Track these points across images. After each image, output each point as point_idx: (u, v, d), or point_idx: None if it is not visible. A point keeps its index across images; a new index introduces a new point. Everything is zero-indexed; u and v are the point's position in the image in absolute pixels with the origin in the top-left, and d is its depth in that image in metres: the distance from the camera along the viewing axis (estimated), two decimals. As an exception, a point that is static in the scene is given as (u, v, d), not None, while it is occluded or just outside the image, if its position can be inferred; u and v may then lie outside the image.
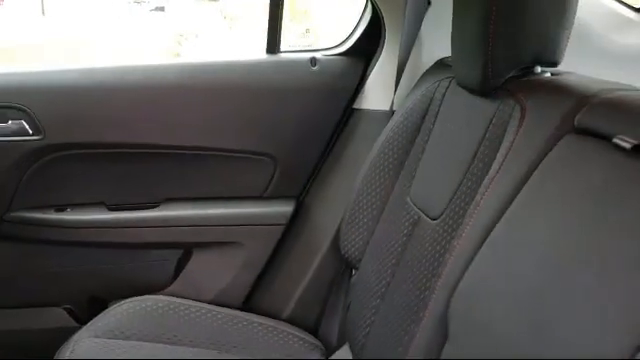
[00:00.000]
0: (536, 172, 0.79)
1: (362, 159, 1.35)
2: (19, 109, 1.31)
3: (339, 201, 1.42)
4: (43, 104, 1.32)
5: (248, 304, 1.51)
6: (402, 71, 1.41)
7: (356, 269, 1.32)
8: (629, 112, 0.71)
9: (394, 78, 1.42)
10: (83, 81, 1.36)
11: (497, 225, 0.81)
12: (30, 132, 1.33)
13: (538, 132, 0.84)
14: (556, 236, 0.70)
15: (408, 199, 1.18)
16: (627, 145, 0.65)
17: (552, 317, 0.64)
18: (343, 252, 1.37)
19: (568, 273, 0.66)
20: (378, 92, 1.46)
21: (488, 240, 0.81)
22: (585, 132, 0.76)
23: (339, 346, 1.42)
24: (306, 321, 1.47)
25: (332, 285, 1.48)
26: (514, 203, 0.80)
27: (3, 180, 1.34)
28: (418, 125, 1.23)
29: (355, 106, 1.49)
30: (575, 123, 0.78)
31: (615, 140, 0.67)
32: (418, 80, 1.32)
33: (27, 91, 1.32)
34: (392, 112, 1.39)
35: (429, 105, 1.21)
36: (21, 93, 1.32)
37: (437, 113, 1.18)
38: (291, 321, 1.46)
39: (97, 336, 1.22)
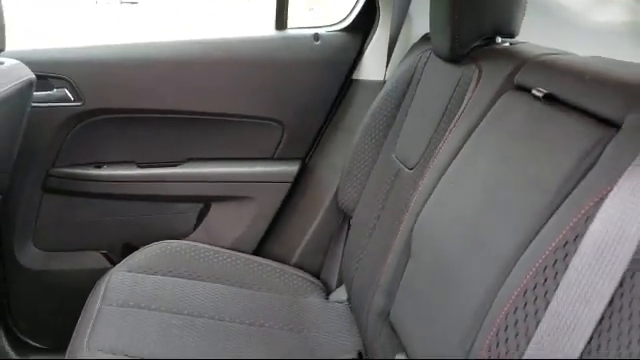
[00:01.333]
0: (482, 122, 0.98)
1: (359, 124, 1.54)
2: (63, 79, 1.53)
3: (339, 162, 1.61)
4: (83, 75, 1.53)
5: (259, 252, 1.72)
6: (394, 45, 1.59)
7: (351, 218, 1.52)
8: (550, 70, 0.89)
9: (387, 51, 1.60)
10: (118, 55, 1.57)
11: (450, 165, 1.00)
12: (72, 99, 1.54)
13: (487, 91, 1.02)
14: (493, 168, 0.89)
15: (393, 155, 1.37)
16: (540, 94, 0.83)
17: (488, 230, 0.83)
18: (340, 204, 1.57)
19: (502, 194, 0.84)
20: (373, 64, 1.64)
21: (443, 177, 1.00)
22: (520, 88, 0.94)
23: (337, 287, 1.62)
24: (310, 267, 1.67)
25: (333, 236, 1.67)
26: (463, 147, 0.98)
27: (49, 140, 1.57)
28: (404, 92, 1.42)
29: (354, 77, 1.68)
30: (514, 81, 0.96)
31: (533, 91, 0.85)
32: (406, 53, 1.50)
33: (69, 64, 1.53)
34: (384, 82, 1.57)
35: (413, 74, 1.39)
36: (65, 65, 1.53)
37: (419, 81, 1.36)
38: (297, 266, 1.66)
39: (129, 271, 1.43)
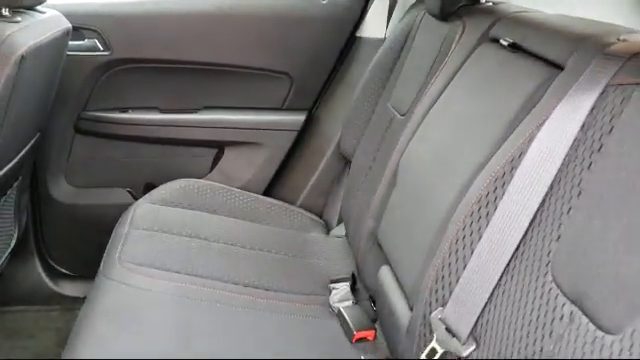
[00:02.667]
0: (460, 70, 1.13)
1: (361, 78, 1.70)
2: (93, 30, 1.69)
3: (342, 113, 1.78)
4: (112, 27, 1.69)
5: (268, 193, 1.89)
6: (394, 5, 1.74)
7: (350, 162, 1.69)
8: (517, 24, 1.04)
9: (387, 11, 1.75)
10: (143, 10, 1.72)
11: (432, 108, 1.16)
12: (101, 49, 1.71)
13: (468, 43, 1.17)
14: (464, 106, 1.05)
15: (388, 104, 1.52)
16: (506, 43, 0.99)
17: (456, 155, 1.00)
18: (342, 150, 1.74)
19: (469, 126, 1.01)
20: (375, 23, 1.79)
21: (425, 118, 1.16)
22: (493, 40, 1.10)
23: (337, 225, 1.80)
24: (313, 207, 1.85)
25: (335, 180, 1.85)
26: (444, 92, 1.14)
27: (80, 86, 1.74)
28: (401, 48, 1.57)
29: (357, 34, 1.83)
30: (489, 35, 1.12)
31: (501, 41, 1.00)
32: (405, 12, 1.64)
33: (99, 16, 1.69)
34: (385, 39, 1.72)
35: (409, 32, 1.54)
36: (95, 17, 1.69)
37: (414, 37, 1.51)
38: (302, 207, 1.84)
39: (153, 203, 1.61)
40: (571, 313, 0.68)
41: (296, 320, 1.25)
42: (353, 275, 1.42)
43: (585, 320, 0.66)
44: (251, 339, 1.14)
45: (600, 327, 0.63)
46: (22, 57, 1.17)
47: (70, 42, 1.59)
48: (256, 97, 1.85)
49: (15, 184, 1.59)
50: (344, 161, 1.80)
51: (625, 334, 0.60)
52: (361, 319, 1.25)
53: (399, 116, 1.42)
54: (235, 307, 1.23)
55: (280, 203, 1.79)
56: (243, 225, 1.62)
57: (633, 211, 0.65)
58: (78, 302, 1.58)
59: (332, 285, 1.38)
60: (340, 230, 1.74)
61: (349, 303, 1.32)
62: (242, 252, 1.47)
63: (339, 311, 1.29)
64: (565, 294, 0.70)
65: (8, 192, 1.55)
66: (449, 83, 1.15)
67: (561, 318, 0.69)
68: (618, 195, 0.68)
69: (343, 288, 1.37)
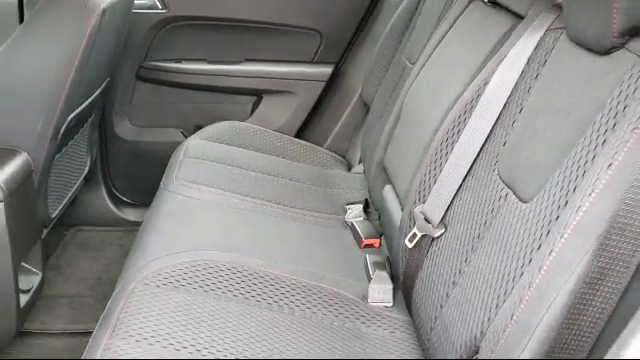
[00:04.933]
0: (454, 25, 1.38)
1: (382, 35, 1.94)
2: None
3: (365, 66, 2.03)
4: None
5: (298, 136, 2.18)
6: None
7: (369, 107, 1.95)
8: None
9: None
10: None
11: (431, 55, 1.41)
12: (159, 7, 2.01)
13: (462, 3, 1.41)
14: (451, 52, 1.30)
15: (403, 57, 1.77)
16: (486, 0, 1.23)
17: (441, 88, 1.25)
18: (363, 98, 2.00)
19: (453, 68, 1.26)
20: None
21: (426, 63, 1.41)
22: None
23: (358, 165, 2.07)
24: (338, 149, 2.13)
25: (357, 125, 2.11)
26: (440, 43, 1.39)
27: (141, 40, 2.04)
28: (415, 7, 1.81)
29: (380, -4, 2.08)
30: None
31: (483, -1, 1.25)
32: (420, -22, 1.87)
33: None
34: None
35: (423, -9, 1.78)
36: None
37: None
38: (328, 149, 2.12)
39: (202, 139, 1.92)
40: (506, 195, 0.94)
41: (316, 229, 1.54)
42: (366, 200, 1.69)
43: (513, 197, 0.92)
44: (277, 237, 1.44)
45: (520, 199, 0.90)
46: (103, 11, 1.46)
47: (135, 1, 1.88)
48: (290, 51, 2.12)
49: (89, 120, 1.91)
50: (366, 108, 2.06)
51: (533, 201, 0.86)
52: (369, 230, 1.53)
53: (410, 65, 1.67)
54: (266, 215, 1.52)
55: (309, 144, 2.07)
56: (276, 160, 1.90)
57: (551, 121, 0.90)
58: (137, 225, 1.90)
59: (348, 206, 1.66)
60: (359, 168, 2.01)
61: (360, 219, 1.60)
62: (274, 180, 1.76)
63: (352, 224, 1.57)
64: (503, 181, 0.96)
65: (84, 126, 1.88)
66: (445, 36, 1.40)
67: (499, 199, 0.95)
68: (544, 110, 0.93)
69: (357, 208, 1.65)
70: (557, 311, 0.68)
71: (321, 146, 2.13)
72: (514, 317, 0.74)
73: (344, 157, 2.12)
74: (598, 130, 0.76)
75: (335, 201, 1.73)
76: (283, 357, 1.04)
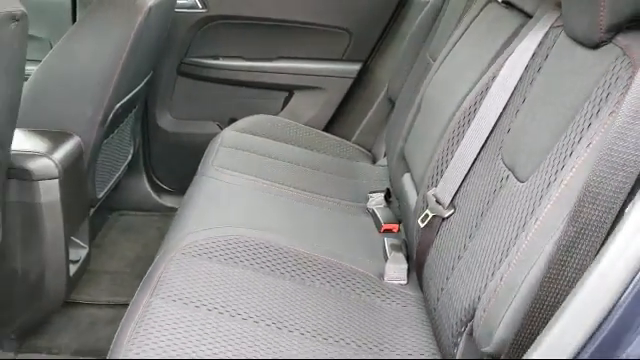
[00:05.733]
0: (471, 25, 1.47)
1: (408, 35, 2.04)
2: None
3: (392, 64, 2.13)
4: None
5: (327, 130, 2.29)
6: (439, -28, 2.06)
7: (394, 104, 2.05)
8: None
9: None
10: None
11: (449, 54, 1.51)
12: (200, 7, 2.15)
13: (479, 4, 1.50)
14: (466, 49, 1.40)
15: (427, 54, 1.87)
16: (500, 0, 1.32)
17: (455, 82, 1.35)
18: (389, 94, 2.10)
19: (466, 64, 1.35)
20: (423, -13, 2.13)
21: (444, 61, 1.51)
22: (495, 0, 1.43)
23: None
24: (365, 144, 2.24)
25: (383, 121, 2.21)
26: (459, 41, 1.49)
27: (183, 37, 2.19)
28: (439, 8, 1.90)
29: (408, -3, 2.18)
30: (496, -3, 1.45)
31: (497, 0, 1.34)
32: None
33: None
34: (429, 1, 2.06)
35: (445, -7, 1.88)
36: None
37: (448, 1, 1.84)
38: (355, 143, 2.23)
39: (236, 131, 2.05)
40: (507, 176, 1.04)
41: (338, 214, 1.65)
42: (388, 189, 1.80)
43: (513, 179, 1.01)
44: (302, 219, 1.55)
45: (518, 180, 0.99)
46: (149, 9, 1.61)
47: (177, 1, 2.03)
48: (320, 49, 2.24)
49: (133, 111, 2.07)
50: (391, 105, 2.16)
51: (528, 180, 0.95)
52: (389, 216, 1.64)
53: (432, 62, 1.76)
54: (293, 200, 1.64)
55: (336, 138, 2.18)
56: (305, 152, 2.02)
57: (548, 109, 0.99)
58: (174, 210, 2.04)
59: (370, 194, 1.77)
60: (384, 161, 2.11)
61: (381, 206, 1.71)
62: (302, 169, 1.88)
63: (372, 211, 1.68)
64: (505, 164, 1.05)
65: (128, 117, 2.04)
66: (463, 34, 1.49)
67: (501, 180, 1.05)
68: (543, 99, 1.02)
69: (378, 196, 1.75)
70: (538, 272, 0.77)
71: (348, 140, 2.24)
72: (503, 278, 0.84)
73: (370, 151, 2.23)
74: (585, 115, 0.85)
75: (358, 190, 1.83)
76: (302, 322, 1.15)
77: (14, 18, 1.13)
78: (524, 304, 0.79)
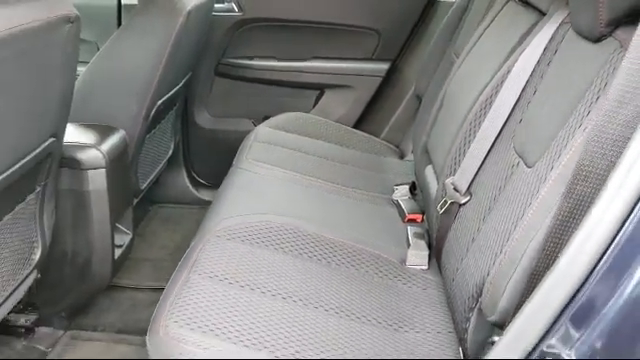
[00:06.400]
0: (492, 22, 1.54)
1: (435, 35, 2.12)
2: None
3: (419, 63, 2.21)
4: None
5: (357, 127, 2.38)
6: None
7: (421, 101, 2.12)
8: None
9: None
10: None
11: (470, 51, 1.58)
12: (236, 10, 2.27)
13: (500, 3, 1.57)
14: (486, 46, 1.46)
15: (452, 52, 1.94)
16: (517, -1, 1.39)
17: (473, 77, 1.42)
18: (417, 92, 2.18)
19: (484, 59, 1.42)
20: (448, -11, 2.20)
21: (466, 59, 1.58)
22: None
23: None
24: (393, 140, 2.32)
25: (411, 118, 2.29)
26: (479, 39, 1.56)
27: (220, 39, 2.32)
28: (464, 9, 1.97)
29: (434, -1, 2.25)
30: (515, -5, 1.51)
31: (514, -2, 1.41)
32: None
33: None
34: (455, 1, 2.12)
35: (470, -2, 1.95)
36: None
37: (473, 1, 1.91)
38: (384, 139, 2.31)
39: (270, 127, 2.15)
40: (518, 163, 1.11)
41: (365, 205, 1.73)
42: (413, 182, 1.87)
43: (523, 165, 1.08)
44: (330, 209, 1.64)
45: (527, 165, 1.06)
46: (189, 12, 1.73)
47: (215, 5, 2.16)
48: (351, 49, 2.34)
49: (173, 109, 2.20)
50: (419, 102, 2.24)
51: (535, 166, 1.02)
52: (413, 207, 1.71)
53: (456, 59, 1.83)
54: (321, 191, 1.73)
55: (365, 134, 2.27)
56: (334, 147, 2.11)
57: (555, 99, 1.06)
58: (210, 203, 2.16)
59: (395, 187, 1.85)
60: (411, 157, 2.19)
61: (406, 198, 1.78)
62: (331, 163, 1.97)
63: (397, 202, 1.76)
64: (516, 152, 1.12)
65: (169, 114, 2.17)
66: (484, 32, 1.56)
67: (512, 167, 1.12)
68: (551, 90, 1.09)
69: (403, 188, 1.83)
70: (536, 245, 0.85)
71: (377, 137, 2.32)
72: (506, 253, 0.91)
73: (398, 147, 2.30)
74: (585, 104, 0.92)
75: (385, 183, 1.91)
76: (328, 300, 1.24)
77: (69, 20, 1.26)
78: (524, 275, 0.86)
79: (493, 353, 0.72)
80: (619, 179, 0.64)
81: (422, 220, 1.68)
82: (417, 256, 1.47)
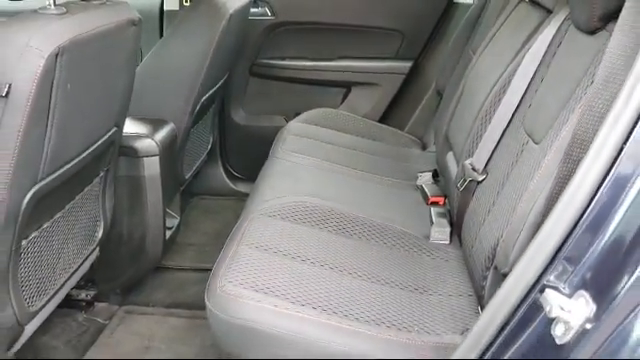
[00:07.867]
0: (506, 22, 1.70)
1: (454, 34, 2.28)
2: (265, 1, 2.44)
3: (440, 61, 2.37)
4: (277, -1, 2.45)
5: (382, 122, 2.55)
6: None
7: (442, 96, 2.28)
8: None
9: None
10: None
11: (486, 47, 1.73)
12: (269, 14, 2.46)
13: (512, 4, 1.72)
14: (500, 43, 1.62)
15: (470, 50, 2.09)
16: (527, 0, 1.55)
17: (487, 70, 1.58)
18: (438, 87, 2.34)
19: (497, 55, 1.58)
20: (468, -9, 2.35)
21: (482, 54, 1.74)
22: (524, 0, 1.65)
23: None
24: (415, 133, 2.47)
25: (432, 113, 2.45)
26: (494, 37, 1.71)
27: (254, 41, 2.51)
28: (482, 9, 2.13)
29: (454, 0, 2.41)
30: (526, -5, 1.67)
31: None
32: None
33: None
34: (473, 3, 2.28)
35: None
36: None
37: (490, 1, 2.06)
38: (407, 133, 2.47)
39: (301, 122, 2.33)
40: (527, 141, 1.26)
41: (391, 189, 1.90)
42: (435, 170, 2.03)
43: (532, 143, 1.24)
44: (359, 192, 1.81)
45: (535, 143, 1.21)
46: (230, 16, 1.92)
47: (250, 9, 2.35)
48: (376, 49, 2.51)
49: (212, 107, 2.39)
50: (440, 97, 2.39)
51: (542, 142, 1.18)
52: (435, 190, 1.87)
53: (473, 56, 1.99)
54: (351, 177, 1.90)
55: (390, 128, 2.43)
56: (361, 140, 2.27)
57: (558, 84, 1.21)
58: (246, 195, 2.32)
59: (419, 174, 2.01)
60: (433, 148, 2.34)
61: (429, 183, 1.94)
62: (360, 154, 2.13)
63: (421, 187, 1.92)
64: (526, 132, 1.28)
65: (208, 111, 2.36)
66: (498, 30, 1.72)
67: (522, 145, 1.28)
68: (555, 77, 1.25)
69: (426, 175, 1.99)
70: (541, 202, 1.00)
71: (401, 130, 2.49)
72: (516, 214, 1.07)
73: (421, 139, 2.46)
74: (582, 87, 1.07)
75: (409, 171, 2.07)
76: (359, 268, 1.41)
77: (133, 23, 1.45)
78: (531, 230, 1.02)
79: (502, 287, 0.88)
80: (600, 143, 0.80)
81: (444, 203, 1.84)
82: (440, 232, 1.63)
